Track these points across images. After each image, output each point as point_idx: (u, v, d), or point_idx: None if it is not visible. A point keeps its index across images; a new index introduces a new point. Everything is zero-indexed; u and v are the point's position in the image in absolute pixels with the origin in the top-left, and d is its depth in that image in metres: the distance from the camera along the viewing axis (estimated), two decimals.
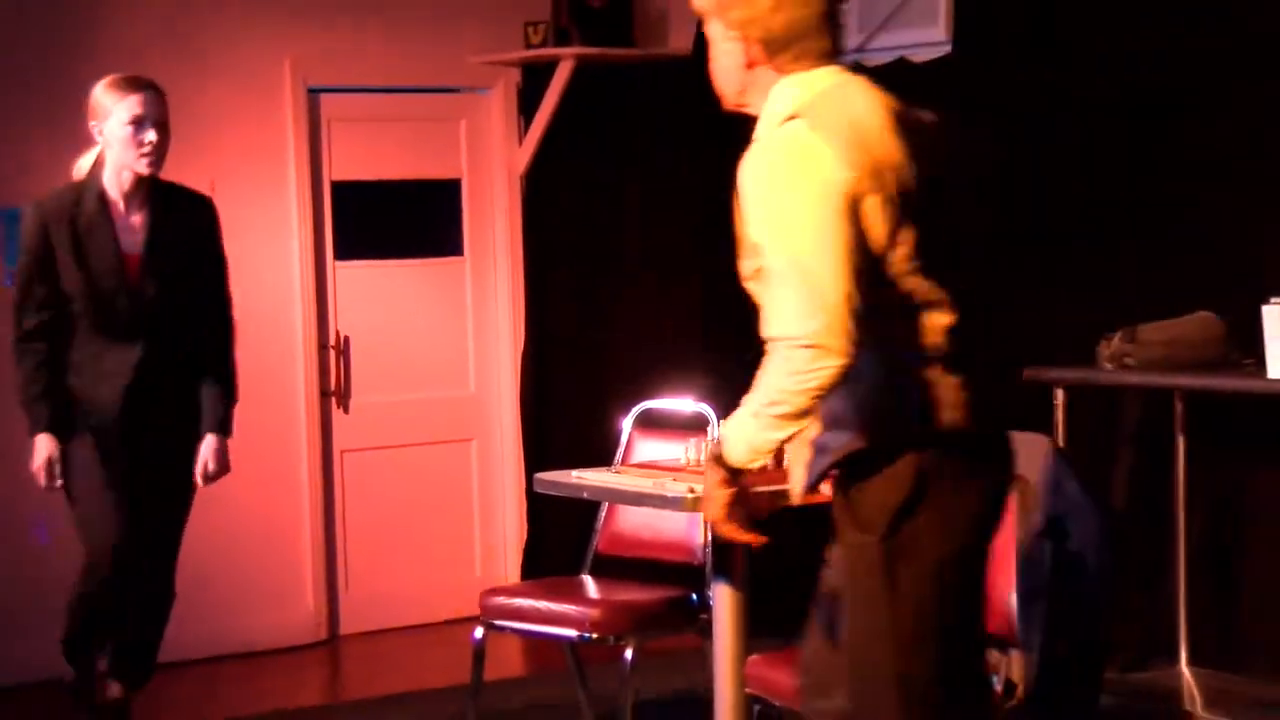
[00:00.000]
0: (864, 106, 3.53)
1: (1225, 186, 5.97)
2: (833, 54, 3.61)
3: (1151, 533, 6.08)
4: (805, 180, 3.38)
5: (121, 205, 5.29)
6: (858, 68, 3.85)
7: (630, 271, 7.36)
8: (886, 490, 3.40)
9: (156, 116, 5.26)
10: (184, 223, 5.42)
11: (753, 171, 3.46)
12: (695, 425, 5.16)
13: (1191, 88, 6.01)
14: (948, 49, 6.46)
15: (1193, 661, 6.00)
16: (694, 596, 5.09)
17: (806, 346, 3.30)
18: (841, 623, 3.50)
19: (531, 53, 7.27)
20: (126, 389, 5.20)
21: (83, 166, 5.36)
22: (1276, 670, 5.85)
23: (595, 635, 4.97)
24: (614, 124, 7.43)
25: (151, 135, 5.22)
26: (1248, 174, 5.92)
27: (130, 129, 5.20)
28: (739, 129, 7.46)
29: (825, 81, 3.54)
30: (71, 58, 6.70)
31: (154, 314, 5.25)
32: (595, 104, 7.33)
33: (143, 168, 5.24)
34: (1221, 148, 5.95)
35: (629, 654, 5.01)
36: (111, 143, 5.25)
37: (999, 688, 4.13)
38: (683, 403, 5.42)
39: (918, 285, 3.45)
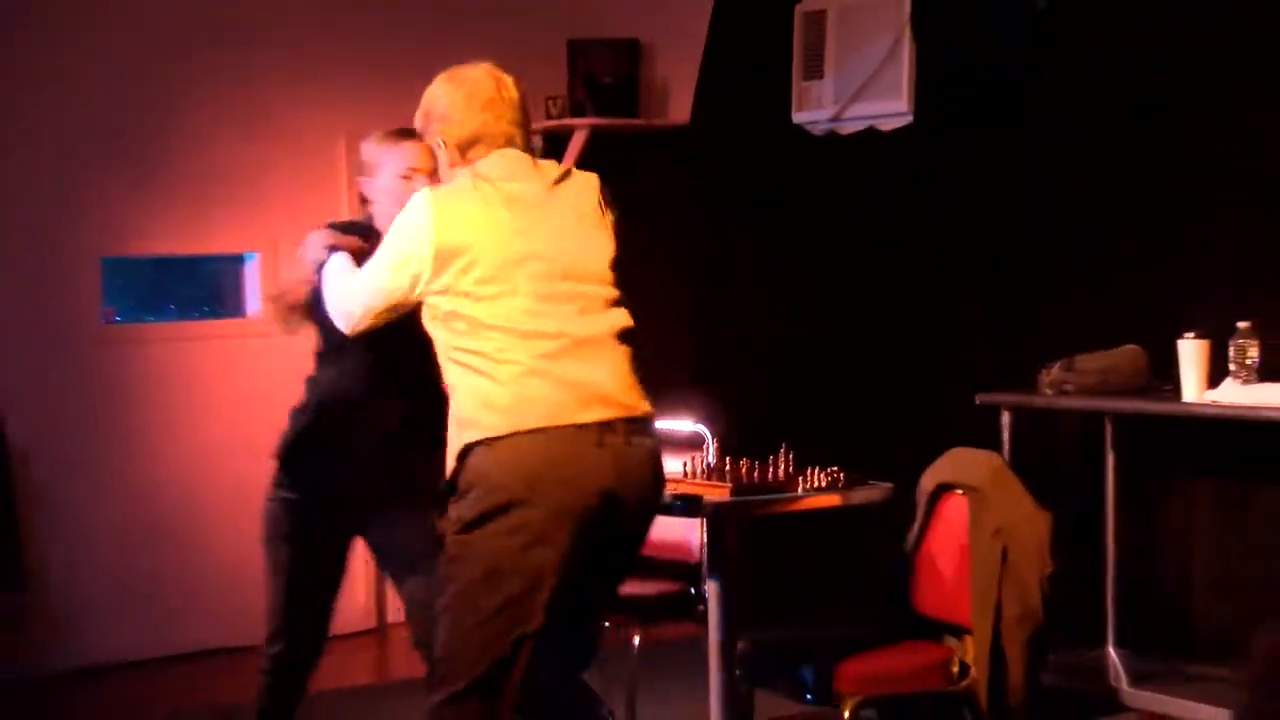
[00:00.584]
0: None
1: (1150, 237, 5.98)
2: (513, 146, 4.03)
3: (1085, 534, 6.07)
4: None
5: None
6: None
7: (636, 308, 7.34)
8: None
9: (426, 166, 4.45)
10: None
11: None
12: (692, 443, 5.15)
13: (1125, 141, 6.03)
14: (910, 119, 6.46)
15: (1118, 644, 5.99)
16: (691, 590, 5.07)
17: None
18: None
19: (552, 123, 7.28)
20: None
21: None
22: (1190, 650, 5.86)
23: (605, 624, 4.95)
24: (621, 183, 7.40)
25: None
26: (1168, 227, 5.93)
27: (402, 181, 4.45)
28: (728, 188, 7.49)
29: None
30: (155, 130, 6.74)
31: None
32: (605, 165, 7.27)
33: None
34: (1147, 202, 5.96)
35: (635, 640, 5.00)
36: (381, 197, 4.50)
37: (955, 669, 4.13)
38: (680, 422, 5.41)
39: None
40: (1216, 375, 5.33)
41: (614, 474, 3.67)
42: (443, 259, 3.75)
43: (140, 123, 6.72)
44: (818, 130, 6.78)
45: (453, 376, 3.76)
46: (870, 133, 6.60)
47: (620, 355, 3.79)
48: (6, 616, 6.07)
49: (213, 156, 6.86)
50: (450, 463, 3.68)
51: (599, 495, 3.64)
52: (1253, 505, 5.74)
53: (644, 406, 3.79)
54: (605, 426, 3.68)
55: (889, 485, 4.44)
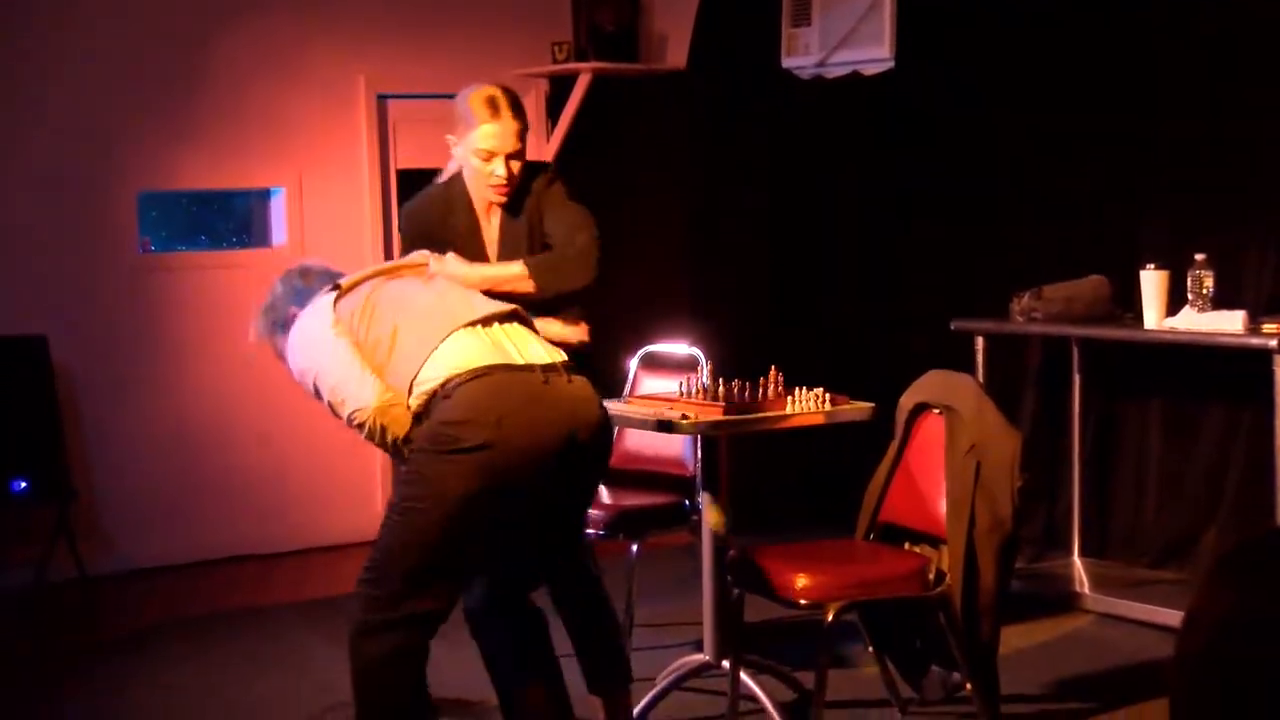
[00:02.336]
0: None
1: (1117, 177, 5.94)
2: None
3: (1052, 451, 6.06)
4: None
5: (484, 219, 4.18)
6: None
7: (636, 241, 7.31)
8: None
9: (510, 148, 4.03)
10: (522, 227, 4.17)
11: None
12: (688, 364, 5.11)
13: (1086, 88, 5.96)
14: (891, 64, 6.39)
15: (1082, 553, 5.99)
16: (686, 502, 5.05)
17: None
18: None
19: (557, 67, 7.20)
20: None
21: (450, 169, 4.21)
22: (1144, 557, 5.87)
23: (607, 533, 4.93)
24: (623, 124, 7.36)
25: (501, 170, 4.03)
26: (1133, 162, 5.88)
27: (480, 160, 4.04)
28: (721, 128, 7.42)
29: None
30: (181, 71, 6.67)
31: None
32: (608, 108, 7.26)
33: (493, 197, 4.11)
34: (1112, 141, 5.91)
35: (634, 548, 4.98)
36: (457, 161, 4.14)
37: (931, 576, 4.09)
38: (677, 346, 5.38)
39: None
40: (1175, 304, 5.29)
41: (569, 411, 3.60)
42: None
43: (172, 65, 6.66)
44: (805, 74, 6.72)
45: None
46: (854, 77, 6.54)
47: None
48: (54, 524, 6.07)
49: (241, 96, 6.79)
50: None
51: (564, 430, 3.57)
52: (1204, 425, 5.72)
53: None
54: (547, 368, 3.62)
55: (871, 405, 4.40)
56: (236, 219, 7.30)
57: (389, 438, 3.60)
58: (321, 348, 3.66)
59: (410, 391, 3.57)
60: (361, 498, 7.02)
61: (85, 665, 5.32)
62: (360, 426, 3.60)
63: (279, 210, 7.01)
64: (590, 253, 4.00)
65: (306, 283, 3.89)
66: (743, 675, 4.32)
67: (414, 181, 7.28)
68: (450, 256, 3.97)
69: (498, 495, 3.47)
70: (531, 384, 3.55)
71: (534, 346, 3.67)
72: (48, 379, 6.19)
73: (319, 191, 6.98)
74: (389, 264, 4.01)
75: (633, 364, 5.40)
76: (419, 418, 3.57)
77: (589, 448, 3.63)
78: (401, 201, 7.19)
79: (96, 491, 6.49)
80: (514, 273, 3.98)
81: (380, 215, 7.12)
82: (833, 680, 4.22)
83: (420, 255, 3.97)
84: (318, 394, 3.69)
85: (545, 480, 3.55)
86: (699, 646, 4.60)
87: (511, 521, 3.59)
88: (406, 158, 7.18)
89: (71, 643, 5.60)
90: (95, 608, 5.95)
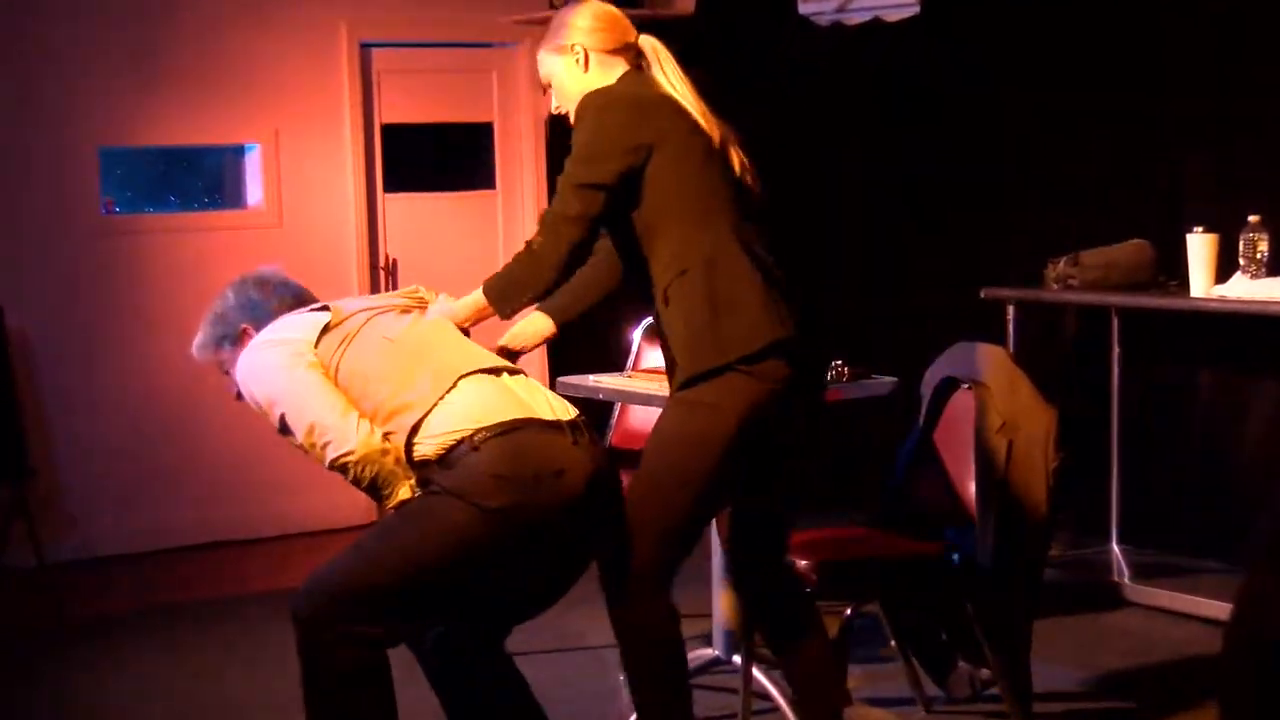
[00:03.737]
0: None
1: (1158, 132, 5.91)
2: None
3: (1089, 429, 6.05)
4: None
5: None
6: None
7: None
8: None
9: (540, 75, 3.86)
10: None
11: None
12: None
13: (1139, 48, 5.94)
14: (916, 9, 6.35)
15: (1121, 539, 5.99)
16: None
17: None
18: None
19: (553, 12, 7.13)
20: None
21: None
22: (1191, 545, 5.86)
23: None
24: None
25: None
26: (1177, 121, 5.86)
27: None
28: (731, 80, 7.38)
29: None
30: (147, 15, 6.64)
31: None
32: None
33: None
34: (1153, 103, 5.89)
35: None
36: None
37: (957, 564, 4.09)
38: None
39: None
40: (1224, 270, 5.27)
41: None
42: None
43: (137, 8, 6.63)
44: (823, 21, 6.69)
45: None
46: (876, 23, 6.50)
47: None
48: (9, 505, 6.06)
49: (213, 44, 6.76)
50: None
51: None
52: (1254, 400, 5.71)
53: None
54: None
55: (894, 379, 4.39)
56: (208, 178, 7.28)
57: (378, 484, 3.47)
58: (293, 382, 3.51)
59: (412, 435, 3.44)
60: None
61: (45, 655, 5.32)
62: (344, 469, 3.47)
63: (254, 168, 6.98)
64: (547, 247, 3.57)
65: (262, 295, 3.75)
66: (755, 671, 4.31)
67: (400, 137, 7.33)
68: (443, 296, 3.83)
69: (507, 549, 3.41)
70: (562, 443, 3.45)
71: (552, 399, 3.58)
72: (3, 350, 6.18)
73: (297, 148, 6.96)
74: (380, 298, 3.83)
75: (636, 336, 5.38)
76: (424, 463, 3.44)
77: (600, 497, 3.52)
78: (389, 157, 7.24)
79: (57, 470, 6.49)
80: (480, 302, 3.65)
81: (364, 173, 7.09)
82: (853, 677, 4.22)
83: (415, 289, 3.82)
84: (284, 429, 3.53)
85: (557, 534, 3.48)
86: (708, 640, 4.59)
87: (505, 571, 3.51)
88: (392, 111, 7.15)
89: (29, 632, 5.60)
90: (55, 596, 5.95)
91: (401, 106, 7.15)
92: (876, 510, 4.41)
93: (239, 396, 3.66)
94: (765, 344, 3.49)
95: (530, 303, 3.74)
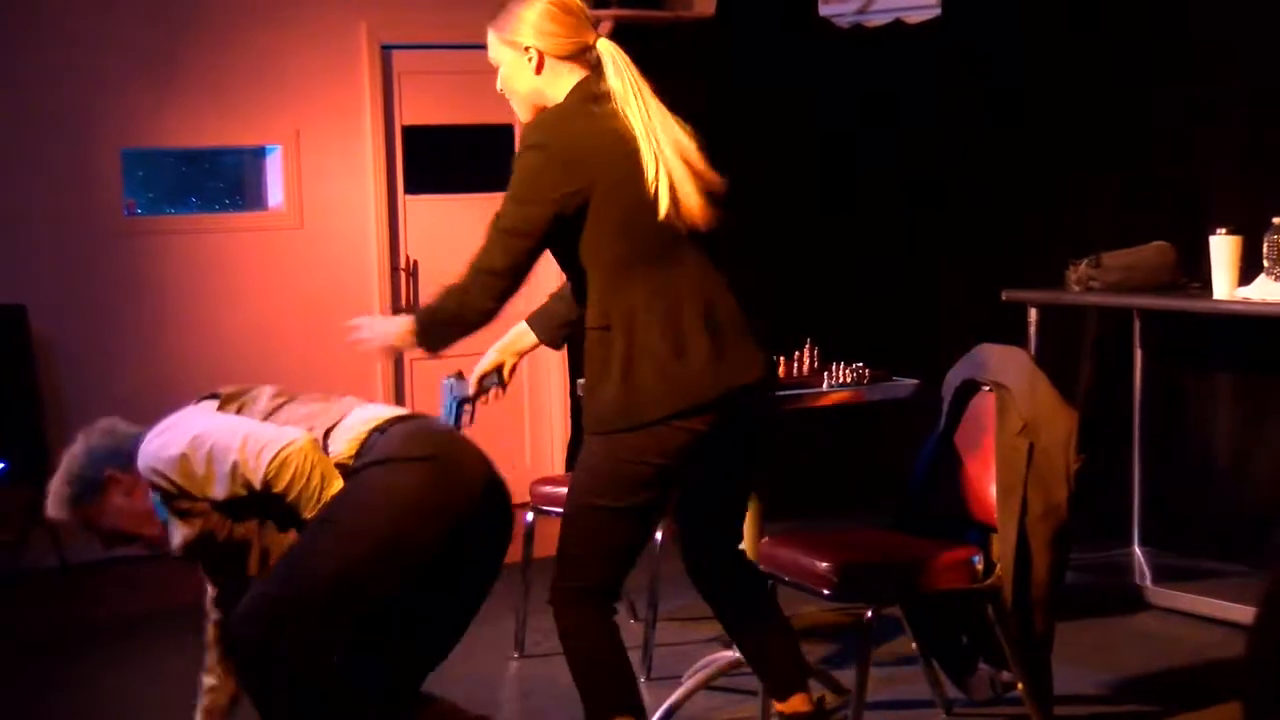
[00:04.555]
0: None
1: (1182, 135, 5.90)
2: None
3: (1110, 432, 6.04)
4: None
5: None
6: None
7: None
8: None
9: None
10: None
11: None
12: None
13: (1167, 47, 5.92)
14: (938, 11, 6.34)
15: (1143, 542, 5.97)
16: None
17: None
18: None
19: None
20: None
21: None
22: (1213, 548, 5.84)
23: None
24: (646, 76, 7.32)
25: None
26: (1201, 124, 5.84)
27: None
28: (753, 83, 7.38)
29: None
30: (169, 18, 6.66)
31: None
32: (629, 57, 7.22)
33: None
34: (1178, 104, 5.87)
35: (659, 534, 4.98)
36: None
37: (978, 567, 4.08)
38: None
39: None
40: (1247, 272, 5.25)
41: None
42: None
43: (159, 10, 6.65)
44: (844, 23, 6.68)
45: None
46: (897, 25, 6.50)
47: None
48: (33, 507, 6.07)
49: (234, 46, 6.79)
50: None
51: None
52: (1277, 401, 5.69)
53: None
54: None
55: (914, 382, 4.39)
56: (229, 179, 7.31)
57: (316, 481, 3.46)
58: (212, 418, 3.62)
59: (325, 439, 3.55)
60: None
61: (68, 657, 5.35)
62: (284, 465, 3.44)
63: (275, 170, 7.00)
64: (474, 300, 3.64)
65: (114, 440, 3.73)
66: None
67: (421, 138, 7.34)
68: (376, 314, 3.97)
69: (440, 517, 3.46)
70: (461, 438, 3.67)
71: None
72: (26, 352, 6.20)
73: (318, 150, 6.98)
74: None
75: None
76: (340, 465, 3.52)
77: (497, 507, 3.63)
78: (409, 159, 7.25)
79: None
80: (406, 330, 3.69)
81: (384, 175, 7.11)
82: (873, 679, 4.21)
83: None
84: (210, 464, 3.49)
85: (466, 533, 3.52)
86: (729, 644, 4.60)
87: (430, 574, 3.51)
88: (413, 113, 7.17)
89: (52, 633, 5.63)
90: (78, 597, 5.97)
91: (422, 108, 7.17)
92: (897, 512, 4.40)
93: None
94: (669, 413, 3.48)
95: (466, 335, 3.76)
